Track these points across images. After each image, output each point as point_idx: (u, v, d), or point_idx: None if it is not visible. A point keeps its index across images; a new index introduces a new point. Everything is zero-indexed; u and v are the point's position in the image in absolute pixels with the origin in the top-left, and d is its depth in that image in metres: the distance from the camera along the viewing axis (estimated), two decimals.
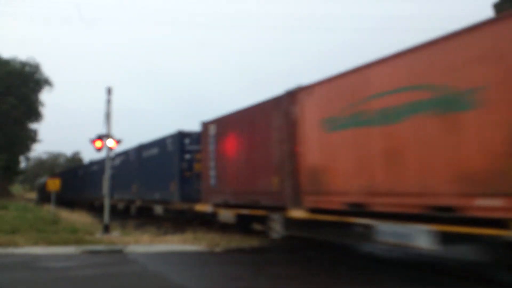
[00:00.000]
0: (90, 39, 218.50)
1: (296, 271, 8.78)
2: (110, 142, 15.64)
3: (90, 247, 11.64)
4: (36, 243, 12.12)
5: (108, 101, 15.90)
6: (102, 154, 19.93)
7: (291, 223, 11.25)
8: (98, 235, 14.32)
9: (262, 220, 12.76)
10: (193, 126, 22.65)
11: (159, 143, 20.00)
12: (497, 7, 33.50)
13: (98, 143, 15.55)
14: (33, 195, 71.38)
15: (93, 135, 15.80)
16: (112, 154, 18.61)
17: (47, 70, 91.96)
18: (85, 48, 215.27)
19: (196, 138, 17.33)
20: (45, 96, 55.52)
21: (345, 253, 11.49)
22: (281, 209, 11.37)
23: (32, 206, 33.57)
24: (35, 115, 53.37)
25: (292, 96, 11.23)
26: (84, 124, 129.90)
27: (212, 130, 14.84)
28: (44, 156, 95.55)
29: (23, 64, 51.89)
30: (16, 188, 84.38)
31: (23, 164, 64.13)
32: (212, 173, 14.72)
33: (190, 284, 7.63)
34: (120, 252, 11.25)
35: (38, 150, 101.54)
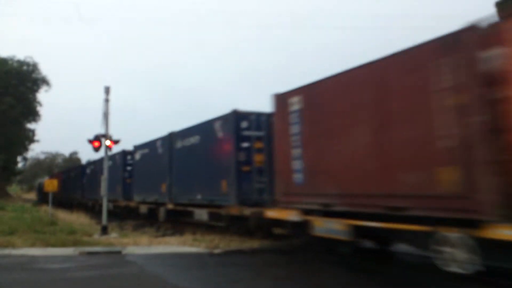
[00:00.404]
0: (89, 39, 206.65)
1: (296, 273, 8.00)
2: (108, 142, 14.53)
3: (88, 248, 10.85)
4: (33, 244, 11.31)
5: (106, 101, 14.67)
6: (101, 154, 16.12)
7: (494, 249, 5.84)
8: (96, 236, 13.34)
9: (405, 237, 7.35)
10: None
11: (202, 129, 14.19)
12: (499, 6, 29.53)
13: (96, 143, 14.47)
14: (30, 195, 66.76)
15: (91, 135, 14.72)
16: (109, 152, 15.62)
17: (45, 69, 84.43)
18: (84, 48, 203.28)
19: (256, 121, 12.06)
20: (42, 95, 49.50)
21: (346, 254, 9.30)
22: (467, 224, 6.02)
23: (30, 207, 29.08)
24: (33, 114, 48.27)
25: (489, 32, 5.86)
26: (82, 124, 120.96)
27: (296, 104, 9.47)
28: (41, 156, 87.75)
29: (21, 63, 46.65)
30: (14, 189, 77.48)
31: (20, 164, 57.79)
32: (297, 165, 9.35)
33: (189, 286, 6.95)
34: (118, 253, 10.34)
35: (36, 150, 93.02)
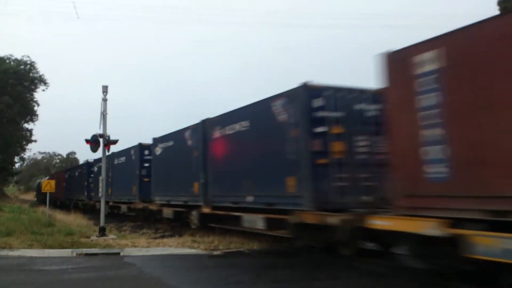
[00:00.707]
0: (88, 38, 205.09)
1: (296, 275, 7.79)
2: (105, 142, 14.33)
3: (86, 250, 10.72)
4: (31, 245, 11.21)
5: (104, 100, 14.42)
6: (99, 154, 15.51)
7: None
8: (94, 237, 13.19)
9: None
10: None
11: (255, 111, 11.23)
12: (501, 4, 29.28)
13: (94, 143, 14.32)
14: (28, 196, 65.77)
15: (89, 135, 14.54)
16: (107, 152, 15.29)
17: (44, 69, 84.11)
18: (83, 47, 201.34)
19: (333, 98, 9.31)
20: (40, 95, 48.80)
21: (347, 256, 9.01)
22: None
23: (28, 208, 28.26)
24: (30, 114, 47.28)
25: None
26: (80, 123, 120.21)
27: (428, 62, 6.64)
28: (39, 156, 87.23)
29: (18, 62, 45.77)
30: (11, 189, 76.91)
31: (17, 164, 57.15)
32: (435, 153, 6.53)
33: None
34: (116, 255, 10.26)
35: (33, 150, 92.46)
